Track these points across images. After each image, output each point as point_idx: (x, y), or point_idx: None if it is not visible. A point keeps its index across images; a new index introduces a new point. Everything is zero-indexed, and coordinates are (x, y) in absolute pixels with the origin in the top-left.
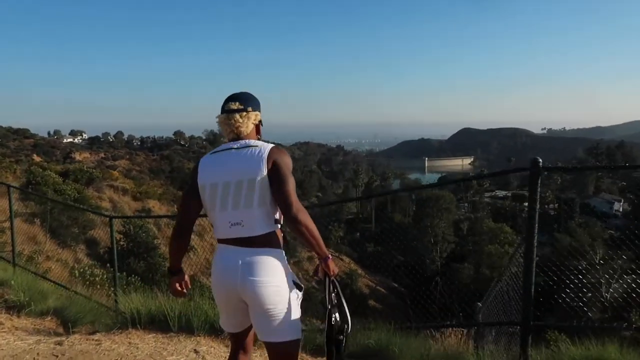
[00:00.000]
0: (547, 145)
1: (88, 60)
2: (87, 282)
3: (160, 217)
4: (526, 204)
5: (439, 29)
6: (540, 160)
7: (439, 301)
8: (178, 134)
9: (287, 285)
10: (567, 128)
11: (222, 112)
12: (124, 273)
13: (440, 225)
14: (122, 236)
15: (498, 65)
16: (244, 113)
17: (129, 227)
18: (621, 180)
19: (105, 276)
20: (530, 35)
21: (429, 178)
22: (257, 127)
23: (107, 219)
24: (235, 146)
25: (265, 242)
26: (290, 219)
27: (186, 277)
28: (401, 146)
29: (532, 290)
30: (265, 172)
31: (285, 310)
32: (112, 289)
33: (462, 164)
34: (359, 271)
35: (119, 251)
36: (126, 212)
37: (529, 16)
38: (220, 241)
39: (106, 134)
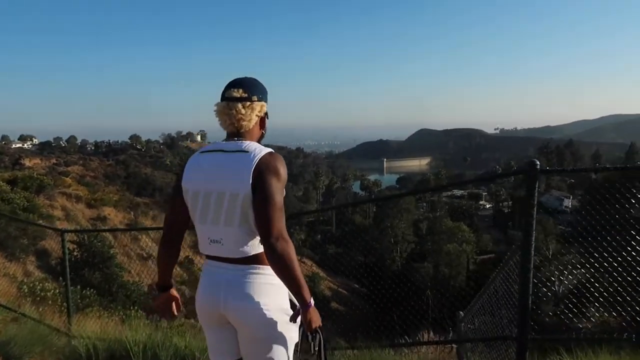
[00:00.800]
0: (501, 145)
1: (36, 61)
2: (38, 298)
3: (116, 230)
4: (482, 202)
5: (396, 31)
6: (538, 162)
7: (415, 309)
8: (134, 138)
9: (280, 309)
10: (518, 128)
11: (222, 100)
12: (78, 287)
13: (400, 225)
14: (75, 246)
15: (452, 67)
16: (248, 103)
17: (83, 236)
18: (570, 178)
19: (57, 291)
20: (479, 38)
21: (388, 179)
22: (262, 120)
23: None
24: (227, 148)
25: (250, 261)
26: (268, 249)
27: (175, 294)
28: (360, 148)
29: (529, 303)
30: (249, 186)
31: (278, 339)
32: (65, 309)
33: (419, 164)
34: (321, 274)
35: (72, 262)
36: (80, 221)
37: (475, 18)
38: (205, 255)
39: (58, 139)
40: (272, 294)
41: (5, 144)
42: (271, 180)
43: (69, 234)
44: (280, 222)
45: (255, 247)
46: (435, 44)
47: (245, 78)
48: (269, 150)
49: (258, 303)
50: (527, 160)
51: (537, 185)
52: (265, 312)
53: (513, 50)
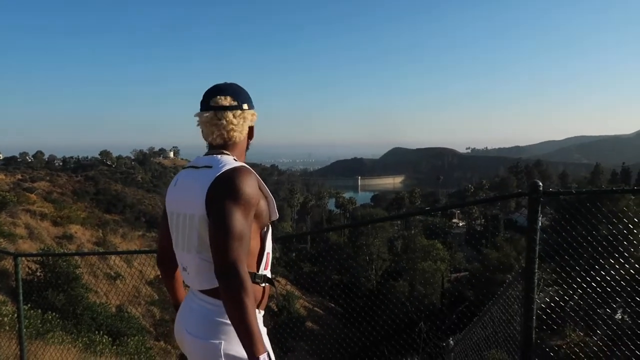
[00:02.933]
0: (472, 164)
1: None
2: None
3: (71, 254)
4: (455, 220)
5: (371, 53)
6: (541, 184)
7: (393, 328)
8: (104, 153)
9: (233, 356)
10: (489, 147)
11: (206, 109)
12: (39, 311)
13: (375, 243)
14: (39, 266)
15: (424, 87)
16: (239, 112)
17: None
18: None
19: (16, 315)
20: (452, 61)
21: (363, 196)
22: (251, 129)
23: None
24: (199, 163)
25: (213, 294)
26: (218, 279)
27: None
28: (335, 165)
29: (533, 336)
30: (203, 207)
31: None
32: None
33: (393, 182)
34: (296, 292)
35: (35, 283)
36: (45, 239)
37: (448, 42)
38: None
39: (24, 154)
40: (229, 335)
41: None
42: (225, 201)
43: (33, 248)
44: (233, 253)
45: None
46: (410, 66)
47: (230, 84)
48: (236, 164)
49: (209, 342)
50: (530, 182)
51: (539, 209)
52: (214, 353)
53: (483, 74)
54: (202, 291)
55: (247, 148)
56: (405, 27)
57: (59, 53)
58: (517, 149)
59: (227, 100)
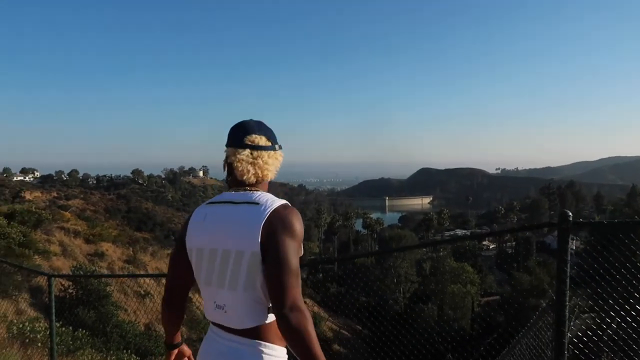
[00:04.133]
0: (502, 185)
1: (40, 93)
2: (27, 340)
3: (105, 276)
4: (485, 243)
5: (398, 74)
6: (570, 213)
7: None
8: (136, 172)
9: None
10: (519, 168)
11: (239, 145)
12: (70, 328)
13: (402, 265)
14: (71, 283)
15: (454, 108)
16: (273, 152)
17: (79, 273)
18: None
19: (49, 332)
20: (483, 83)
21: (390, 217)
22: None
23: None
24: (236, 199)
25: (254, 335)
26: (281, 320)
27: (186, 349)
28: (362, 186)
29: None
30: (257, 244)
31: None
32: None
33: (421, 203)
34: (322, 314)
35: (67, 300)
36: (77, 256)
37: (478, 65)
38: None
39: (60, 172)
40: None
41: (6, 176)
42: (285, 239)
43: (67, 265)
44: (295, 290)
45: (262, 318)
46: (439, 88)
47: (260, 122)
48: (283, 202)
49: None
50: (559, 211)
51: (569, 239)
52: None
53: (515, 94)
54: (239, 332)
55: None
56: (436, 52)
57: (93, 76)
58: (548, 169)
59: (262, 140)
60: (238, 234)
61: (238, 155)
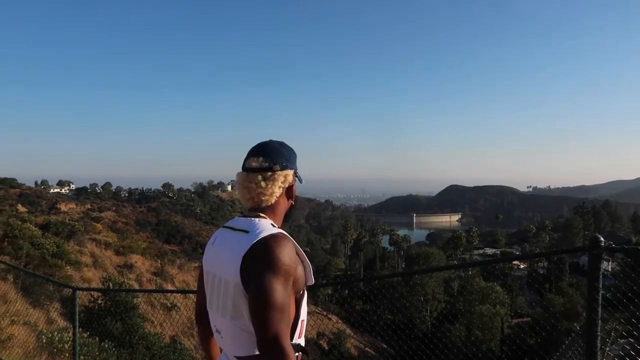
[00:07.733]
0: (534, 204)
1: (78, 108)
2: (55, 350)
3: (131, 291)
4: (515, 262)
5: (426, 88)
6: (602, 239)
7: None
8: (167, 186)
9: None
10: (552, 186)
11: (242, 170)
12: (97, 339)
13: (430, 283)
14: (100, 294)
15: (483, 124)
16: (269, 173)
17: (108, 284)
18: (607, 239)
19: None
20: (513, 97)
21: (417, 234)
22: (289, 189)
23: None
24: (236, 225)
25: None
26: (261, 352)
27: None
28: (389, 202)
29: None
30: (238, 276)
31: None
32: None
33: (450, 220)
34: (347, 331)
35: (96, 310)
36: (107, 268)
37: (510, 80)
38: None
39: (94, 185)
40: None
41: (44, 188)
42: (264, 273)
43: (97, 276)
44: (277, 326)
45: (252, 348)
46: (468, 100)
47: (269, 143)
48: (274, 232)
49: None
50: (590, 236)
51: (601, 266)
52: None
53: (547, 110)
54: (237, 357)
55: (292, 207)
56: (475, 73)
57: (129, 92)
58: (582, 188)
59: (257, 162)
60: (227, 263)
61: (236, 180)
